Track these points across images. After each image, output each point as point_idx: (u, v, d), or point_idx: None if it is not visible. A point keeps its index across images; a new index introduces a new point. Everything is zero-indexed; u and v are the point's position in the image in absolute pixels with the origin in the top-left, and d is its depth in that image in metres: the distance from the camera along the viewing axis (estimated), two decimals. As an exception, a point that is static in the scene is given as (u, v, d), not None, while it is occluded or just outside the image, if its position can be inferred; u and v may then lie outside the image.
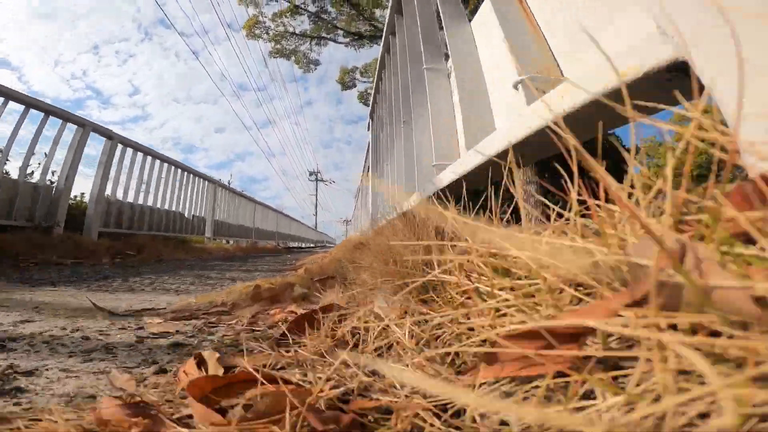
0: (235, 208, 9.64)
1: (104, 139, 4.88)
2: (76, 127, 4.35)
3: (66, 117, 4.17)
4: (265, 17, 13.60)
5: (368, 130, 5.96)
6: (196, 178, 7.36)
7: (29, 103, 3.75)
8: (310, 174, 45.24)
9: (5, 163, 3.98)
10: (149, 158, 5.80)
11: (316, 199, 42.18)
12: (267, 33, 14.09)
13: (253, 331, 0.82)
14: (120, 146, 5.14)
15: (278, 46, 15.45)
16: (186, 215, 7.05)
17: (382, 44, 3.46)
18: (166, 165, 6.23)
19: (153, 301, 1.47)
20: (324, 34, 14.03)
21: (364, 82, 16.43)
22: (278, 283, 1.17)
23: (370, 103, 5.49)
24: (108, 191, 5.07)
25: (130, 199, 5.51)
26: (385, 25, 2.91)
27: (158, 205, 6.13)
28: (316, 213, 40.83)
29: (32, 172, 4.51)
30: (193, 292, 1.96)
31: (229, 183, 10.15)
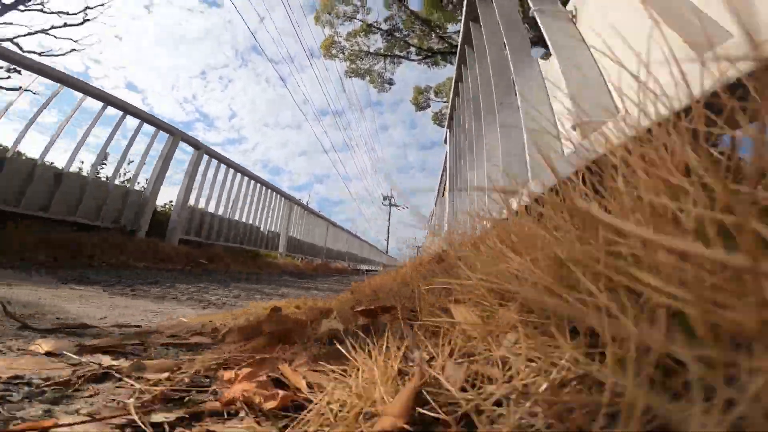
0: (308, 227, 9.72)
1: (192, 149, 5.07)
2: (167, 135, 4.55)
3: (158, 125, 4.36)
4: (341, 37, 14.10)
5: (445, 142, 5.51)
6: (273, 193, 7.49)
7: (126, 108, 3.96)
8: (384, 198, 45.83)
9: (101, 167, 4.24)
10: (231, 170, 5.96)
11: (389, 224, 42.39)
12: (342, 53, 14.57)
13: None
14: (205, 157, 5.32)
15: (353, 66, 15.91)
16: (261, 229, 7.15)
17: (461, 32, 3.09)
18: (246, 178, 6.37)
19: (159, 314, 1.17)
20: (397, 52, 14.15)
21: (438, 102, 16.22)
22: (306, 308, 0.78)
23: (448, 112, 5.12)
24: (192, 201, 5.23)
25: (211, 209, 5.66)
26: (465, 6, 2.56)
27: (236, 217, 6.25)
28: (388, 238, 40.93)
29: (128, 178, 4.79)
30: (225, 306, 1.68)
31: (307, 203, 10.37)
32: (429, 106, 16.38)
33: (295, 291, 3.16)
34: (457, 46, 3.67)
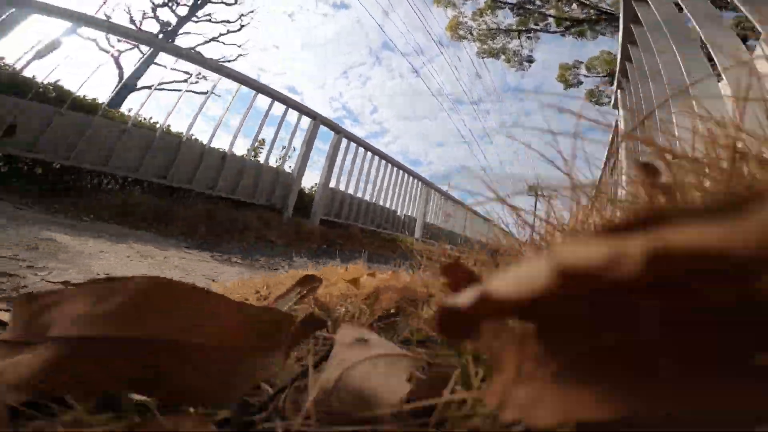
0: (446, 213, 9.39)
1: (332, 132, 5.22)
2: (310, 120, 4.75)
3: (300, 109, 4.57)
4: (465, 17, 13.06)
5: (614, 106, 4.55)
6: (410, 177, 7.36)
7: (273, 95, 4.22)
8: (530, 188, 42.42)
9: (257, 151, 4.65)
10: (368, 154, 6.00)
11: (534, 215, 39.20)
12: (471, 33, 13.52)
13: None
14: (344, 141, 5.43)
15: (485, 46, 14.64)
16: (398, 213, 7.11)
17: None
18: (383, 162, 6.35)
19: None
20: (533, 26, 12.41)
21: (591, 78, 13.85)
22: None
23: (615, 88, 4.21)
24: (332, 183, 5.42)
25: (351, 191, 5.80)
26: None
27: (373, 200, 6.31)
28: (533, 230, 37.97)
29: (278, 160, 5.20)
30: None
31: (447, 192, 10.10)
32: (580, 83, 14.20)
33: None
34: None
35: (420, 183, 7.72)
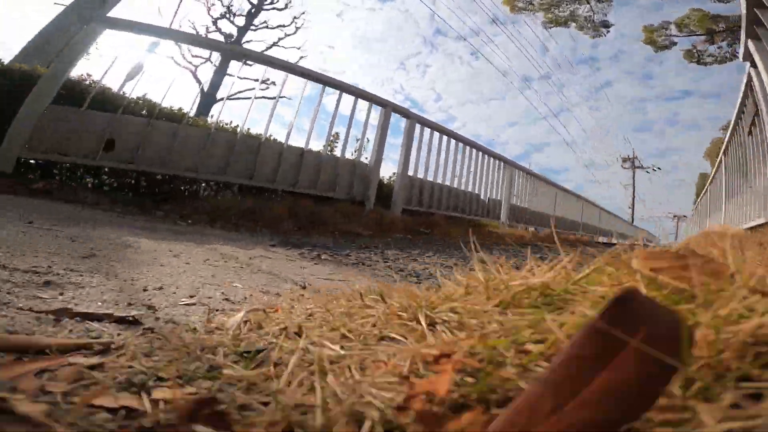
0: (533, 193, 8.61)
1: (404, 119, 4.96)
2: (381, 108, 4.55)
3: (371, 98, 4.38)
4: None
5: (743, 59, 3.88)
6: (492, 159, 6.82)
7: (341, 87, 4.08)
8: (624, 161, 38.02)
9: (332, 146, 4.57)
10: (444, 137, 5.63)
11: (633, 189, 35.01)
12: (531, 4, 12.30)
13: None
14: (418, 126, 5.13)
15: (549, 15, 13.14)
16: (482, 197, 6.63)
17: None
18: (460, 144, 5.94)
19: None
20: None
21: (685, 38, 11.98)
22: None
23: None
24: (411, 171, 5.17)
25: (430, 178, 5.50)
26: None
27: (454, 185, 5.93)
28: (633, 206, 33.88)
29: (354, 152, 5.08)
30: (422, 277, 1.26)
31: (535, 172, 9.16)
32: (674, 44, 12.28)
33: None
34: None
35: (502, 163, 7.13)
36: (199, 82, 11.93)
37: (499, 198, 7.10)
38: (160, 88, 3.49)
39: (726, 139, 6.26)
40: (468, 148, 6.11)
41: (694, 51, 12.47)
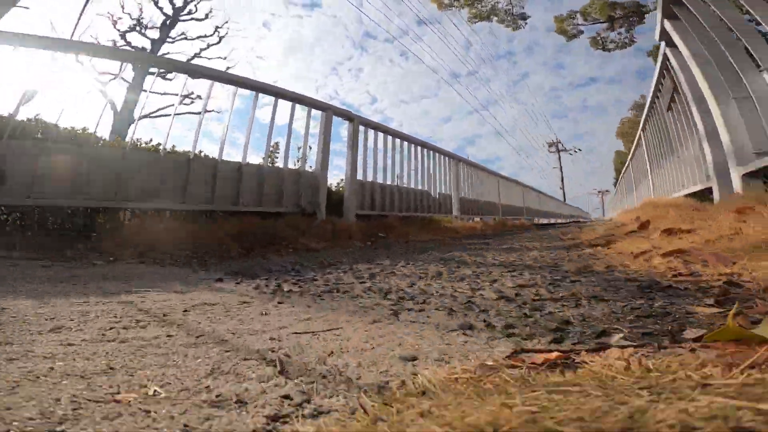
0: (478, 184, 8.74)
1: (347, 122, 4.71)
2: (321, 113, 4.26)
3: (309, 103, 4.08)
4: None
5: (659, 38, 3.99)
6: (438, 154, 6.77)
7: (276, 92, 3.74)
8: (550, 146, 40.70)
9: (272, 157, 4.20)
10: (390, 138, 5.46)
11: (561, 170, 37.57)
12: (457, 0, 12.82)
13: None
14: (362, 128, 4.91)
15: (474, 10, 13.72)
16: (432, 194, 6.56)
17: None
18: (406, 143, 5.81)
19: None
20: None
21: (590, 26, 13.01)
22: None
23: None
24: (359, 175, 4.94)
25: (380, 180, 5.30)
26: None
27: (405, 185, 5.79)
28: (563, 186, 36.34)
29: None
30: (424, 302, 1.01)
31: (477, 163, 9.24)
32: (581, 32, 13.26)
33: (504, 255, 2.32)
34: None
35: (447, 158, 7.12)
36: (109, 100, 10.75)
37: (448, 192, 7.09)
38: (63, 108, 2.93)
39: (644, 117, 6.68)
40: (413, 146, 5.99)
41: (599, 38, 13.37)
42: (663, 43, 3.98)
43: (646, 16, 12.21)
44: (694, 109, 3.38)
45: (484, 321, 0.94)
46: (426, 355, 0.71)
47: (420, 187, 6.16)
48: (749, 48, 2.59)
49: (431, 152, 6.52)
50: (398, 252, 3.06)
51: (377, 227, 4.62)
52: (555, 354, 0.62)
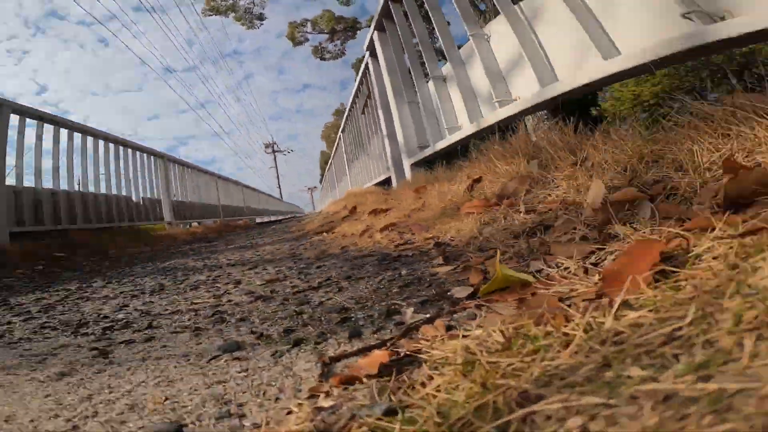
0: (195, 186, 8.08)
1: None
2: None
3: None
4: None
5: (366, 48, 4.20)
6: (140, 153, 5.76)
7: None
8: (266, 146, 42.54)
9: None
10: (64, 131, 4.21)
11: (277, 170, 39.96)
12: None
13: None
14: (14, 116, 3.56)
15: (213, 3, 13.14)
16: (134, 199, 5.53)
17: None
18: (90, 138, 4.64)
19: None
20: None
21: (317, 35, 14.73)
22: None
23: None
24: (11, 180, 3.54)
25: (47, 184, 3.99)
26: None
27: (92, 189, 4.61)
28: (279, 185, 38.78)
29: None
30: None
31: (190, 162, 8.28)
32: (307, 40, 14.67)
33: (238, 254, 2.19)
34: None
35: (153, 158, 6.19)
36: None
37: (158, 197, 6.18)
38: None
39: (344, 120, 7.88)
40: (103, 141, 4.85)
41: (320, 47, 14.74)
42: (368, 53, 4.19)
43: (359, 32, 14.31)
44: (380, 113, 4.04)
45: (252, 332, 0.76)
46: (196, 416, 0.46)
47: (117, 192, 5.07)
48: (424, 59, 3.11)
49: (128, 149, 5.48)
50: (93, 271, 2.44)
51: (57, 246, 3.48)
52: (381, 353, 0.52)
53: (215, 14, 13.34)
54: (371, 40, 3.87)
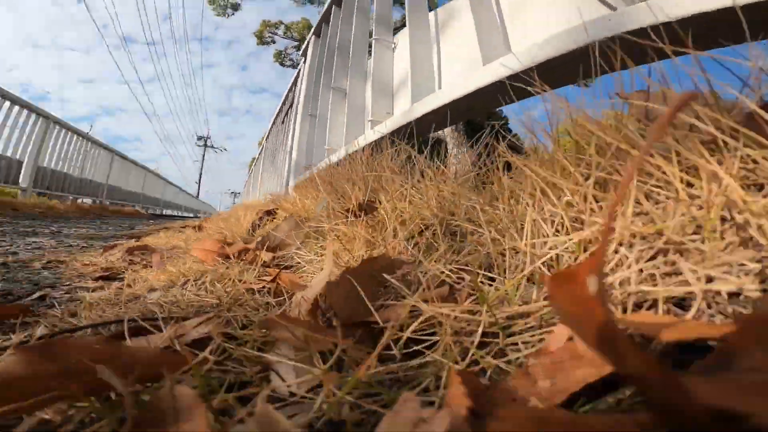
0: (79, 156, 7.01)
1: None
2: None
3: None
4: None
5: (302, 54, 3.86)
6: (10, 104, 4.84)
7: None
8: (199, 138, 39.85)
9: None
10: None
11: (202, 166, 37.33)
12: None
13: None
14: None
15: None
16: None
17: None
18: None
19: None
20: None
21: (285, 40, 14.23)
22: None
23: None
24: None
25: None
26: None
27: None
28: (200, 181, 36.08)
29: None
30: None
31: (88, 133, 7.12)
32: (273, 42, 14.09)
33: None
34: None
35: (26, 111, 5.25)
36: None
37: (17, 157, 5.18)
38: None
39: (269, 128, 7.47)
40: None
41: (284, 53, 14.08)
42: (303, 59, 3.69)
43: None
44: (295, 125, 3.52)
45: None
46: None
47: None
48: (333, 67, 2.64)
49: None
50: None
51: None
52: None
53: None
54: (307, 45, 3.48)
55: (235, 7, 13.38)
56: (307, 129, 3.15)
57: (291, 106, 5.06)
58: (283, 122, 5.59)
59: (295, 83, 4.69)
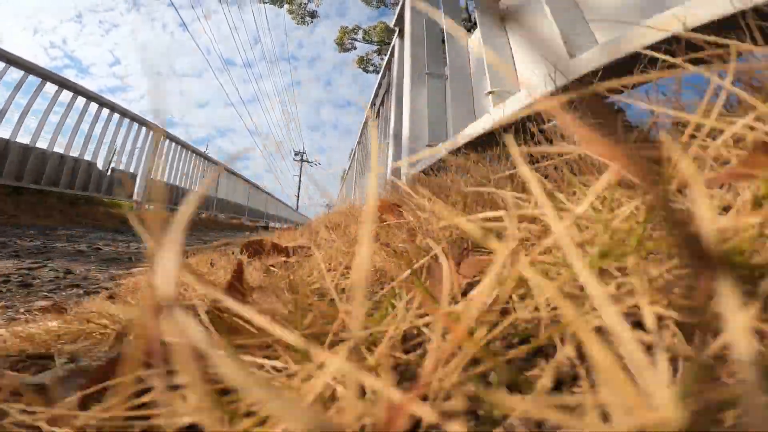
0: (188, 171, 7.16)
1: None
2: None
3: None
4: None
5: (395, 26, 3.22)
6: (120, 116, 4.87)
7: None
8: (296, 154, 42.46)
9: None
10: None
11: (300, 180, 39.53)
12: None
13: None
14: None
15: None
16: (100, 167, 4.58)
17: None
18: (38, 80, 3.75)
19: None
20: None
21: (364, 45, 13.93)
22: None
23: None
24: None
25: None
26: None
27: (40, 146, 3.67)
28: (299, 195, 38.20)
29: None
30: None
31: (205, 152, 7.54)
32: (355, 48, 13.95)
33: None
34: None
35: (136, 124, 5.29)
36: None
37: (134, 170, 5.23)
38: None
39: (360, 131, 6.90)
40: (76, 94, 3.95)
41: (365, 58, 13.96)
42: (396, 34, 3.38)
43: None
44: (392, 111, 3.02)
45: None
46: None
47: (75, 155, 4.13)
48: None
49: (107, 109, 4.57)
50: None
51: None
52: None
53: (271, 3, 13.01)
54: (401, 9, 2.80)
55: (313, 15, 13.47)
56: (426, 97, 2.27)
57: (387, 92, 4.36)
58: (377, 116, 4.90)
59: (388, 67, 4.05)
